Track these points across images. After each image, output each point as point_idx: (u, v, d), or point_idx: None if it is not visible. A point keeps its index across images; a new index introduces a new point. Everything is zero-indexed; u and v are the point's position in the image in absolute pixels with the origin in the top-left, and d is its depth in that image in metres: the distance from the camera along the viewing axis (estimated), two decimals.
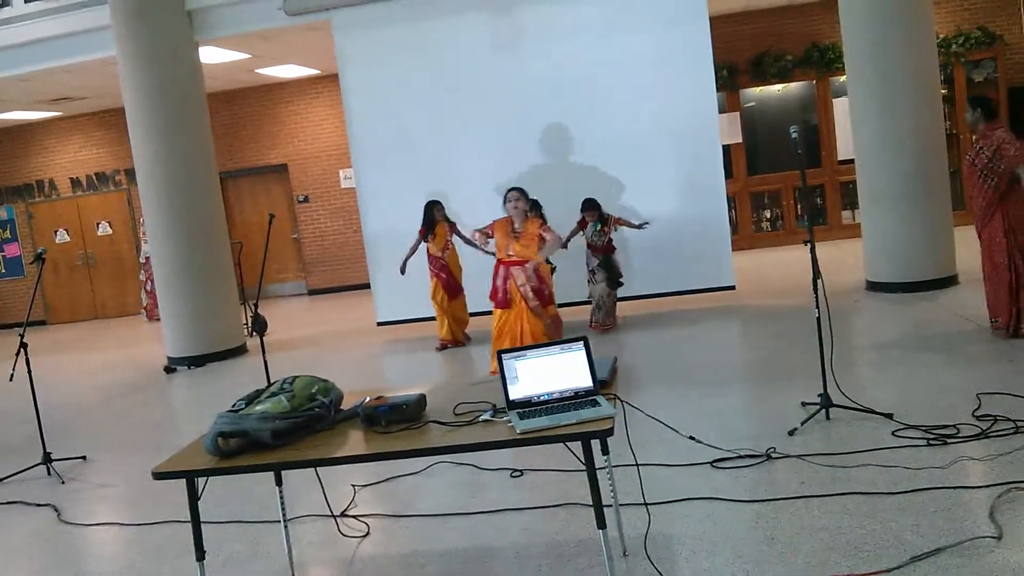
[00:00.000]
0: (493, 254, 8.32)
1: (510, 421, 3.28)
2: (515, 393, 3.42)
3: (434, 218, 9.37)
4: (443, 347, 9.47)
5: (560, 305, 9.24)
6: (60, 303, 16.87)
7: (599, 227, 9.15)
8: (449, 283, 9.42)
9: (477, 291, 9.48)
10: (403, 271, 9.44)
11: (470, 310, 9.70)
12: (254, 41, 11.73)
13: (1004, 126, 6.73)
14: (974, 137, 7.09)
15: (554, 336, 7.67)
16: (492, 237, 7.70)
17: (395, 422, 3.45)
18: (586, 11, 9.90)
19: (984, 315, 7.18)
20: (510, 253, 7.55)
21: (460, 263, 9.57)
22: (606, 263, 9.26)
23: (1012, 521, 3.79)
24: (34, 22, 11.18)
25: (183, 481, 3.39)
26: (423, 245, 9.43)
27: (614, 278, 9.30)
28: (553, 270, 9.01)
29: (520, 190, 7.65)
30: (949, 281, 9.13)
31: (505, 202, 7.62)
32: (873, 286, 9.44)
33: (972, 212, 7.05)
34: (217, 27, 10.67)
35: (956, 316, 7.86)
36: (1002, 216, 6.70)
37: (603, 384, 3.52)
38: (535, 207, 8.37)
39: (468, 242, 9.34)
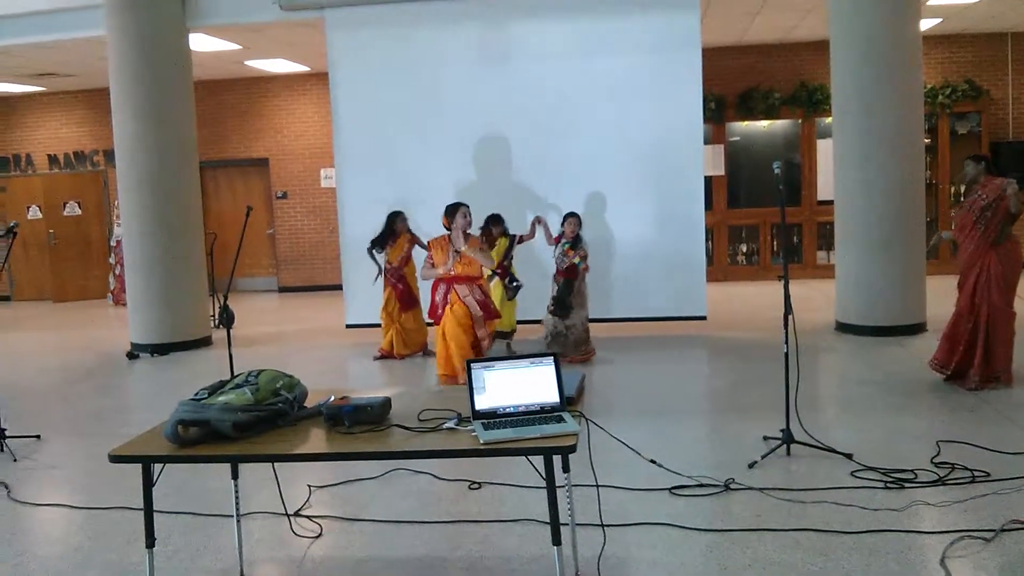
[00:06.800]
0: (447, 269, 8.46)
1: (474, 431, 3.26)
2: (481, 403, 3.40)
3: (395, 229, 9.26)
4: (381, 357, 9.35)
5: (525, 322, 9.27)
6: (26, 280, 16.62)
7: (566, 247, 8.64)
8: (404, 294, 9.30)
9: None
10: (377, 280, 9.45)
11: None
12: (246, 32, 11.69)
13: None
14: (966, 190, 7.17)
15: (485, 352, 7.81)
16: (434, 261, 7.73)
17: (358, 423, 3.42)
18: (579, 31, 9.94)
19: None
20: (451, 271, 7.61)
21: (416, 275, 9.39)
22: (564, 288, 8.66)
23: (962, 569, 3.81)
24: None
25: (138, 467, 3.34)
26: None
27: (565, 306, 8.61)
28: (518, 288, 8.96)
29: (466, 205, 7.77)
30: (917, 328, 9.21)
31: (458, 216, 7.63)
32: (842, 327, 9.50)
33: (959, 261, 7.08)
34: (210, 15, 10.60)
35: (922, 363, 7.90)
36: (982, 267, 6.77)
37: (570, 401, 3.51)
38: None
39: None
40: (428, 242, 7.93)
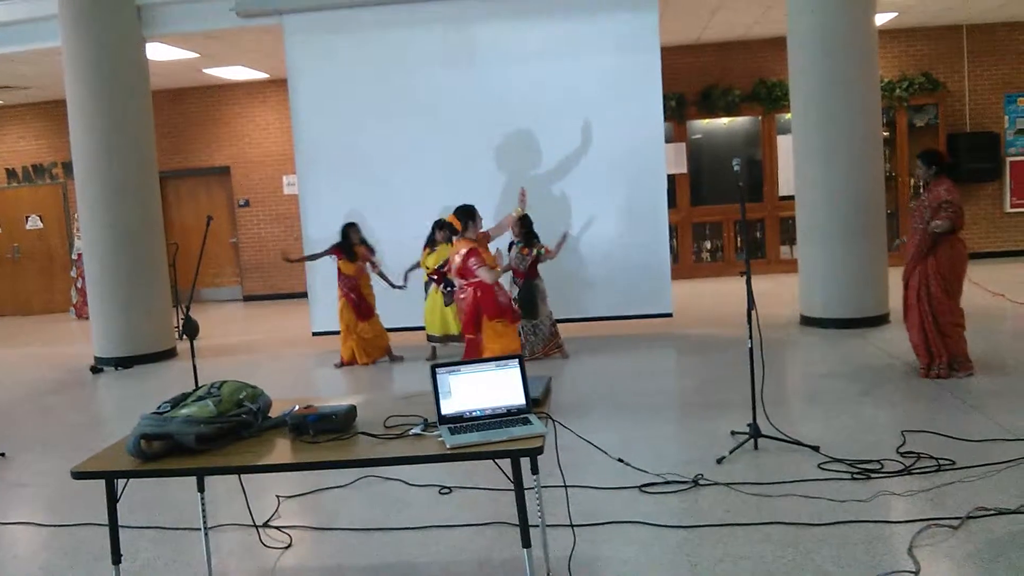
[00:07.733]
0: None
1: (440, 436, 3.25)
2: (447, 408, 3.39)
3: (351, 240, 9.16)
4: (341, 365, 9.31)
5: None
6: None
7: (521, 246, 8.77)
8: (359, 304, 9.20)
9: (391, 310, 9.42)
10: (287, 260, 9.56)
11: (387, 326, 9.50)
12: (203, 40, 11.58)
13: (949, 184, 6.82)
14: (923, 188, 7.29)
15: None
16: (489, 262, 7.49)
17: (324, 432, 3.40)
18: (539, 33, 9.97)
19: (911, 354, 7.34)
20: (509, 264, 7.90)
21: (371, 286, 9.36)
22: (525, 290, 8.78)
23: (930, 557, 3.85)
24: None
25: (103, 482, 3.31)
26: (328, 259, 9.34)
27: (531, 306, 8.72)
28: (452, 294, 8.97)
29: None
30: (881, 320, 9.30)
31: (477, 216, 7.57)
32: (807, 321, 9.58)
33: (907, 253, 7.17)
34: (166, 24, 10.51)
35: (885, 354, 8.00)
36: (925, 266, 6.88)
37: (536, 403, 3.51)
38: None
39: (381, 275, 9.30)
40: (472, 249, 7.37)
